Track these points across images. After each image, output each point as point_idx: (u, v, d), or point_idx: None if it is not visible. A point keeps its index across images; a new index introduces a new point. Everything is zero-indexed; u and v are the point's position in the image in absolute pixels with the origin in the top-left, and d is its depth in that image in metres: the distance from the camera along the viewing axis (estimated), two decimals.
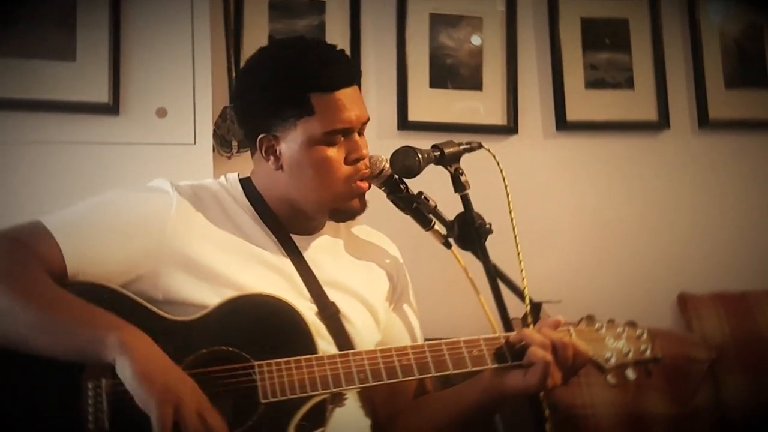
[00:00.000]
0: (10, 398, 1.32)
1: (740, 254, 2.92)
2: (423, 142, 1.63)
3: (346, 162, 1.53)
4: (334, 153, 1.52)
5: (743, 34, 2.97)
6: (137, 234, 1.45)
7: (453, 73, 2.71)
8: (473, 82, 2.73)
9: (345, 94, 1.51)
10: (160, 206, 1.48)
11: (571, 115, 2.80)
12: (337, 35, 2.54)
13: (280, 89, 1.51)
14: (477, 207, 1.63)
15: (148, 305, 1.42)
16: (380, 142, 1.74)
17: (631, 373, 1.49)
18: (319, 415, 1.40)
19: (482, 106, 2.74)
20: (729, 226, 2.93)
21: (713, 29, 2.93)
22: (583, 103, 2.81)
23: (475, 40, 2.72)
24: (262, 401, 1.35)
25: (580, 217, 2.81)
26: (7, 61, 2.06)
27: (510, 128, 2.75)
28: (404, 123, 2.65)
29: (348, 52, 1.67)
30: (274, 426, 1.34)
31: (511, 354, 1.44)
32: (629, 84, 2.85)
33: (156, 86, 2.15)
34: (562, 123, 2.80)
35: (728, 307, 2.80)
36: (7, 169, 2.05)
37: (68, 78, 2.10)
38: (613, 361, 1.48)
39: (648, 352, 1.52)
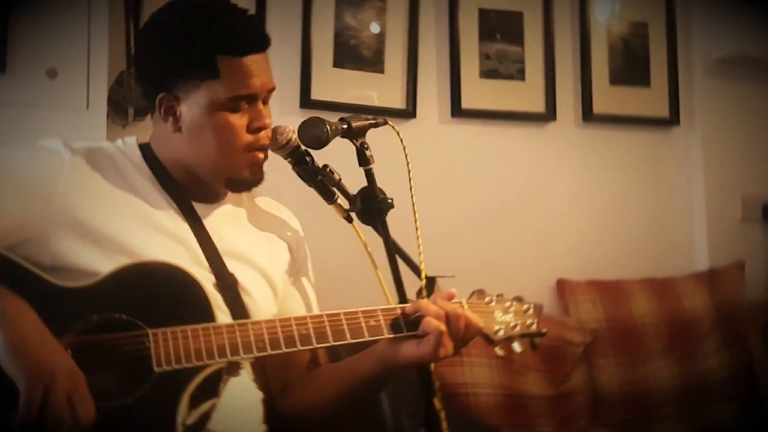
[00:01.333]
0: None
1: (616, 244, 3.06)
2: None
3: (248, 130, 1.50)
4: (237, 119, 1.48)
5: (630, 32, 3.10)
6: (23, 194, 1.37)
7: (356, 54, 2.71)
8: (376, 65, 2.73)
9: (253, 60, 1.48)
10: (50, 166, 1.41)
11: (466, 102, 2.85)
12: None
13: (186, 48, 1.45)
14: (379, 184, 1.63)
15: (35, 270, 1.33)
16: (282, 119, 1.70)
17: (518, 346, 1.53)
18: (214, 385, 1.36)
19: (383, 89, 2.75)
20: (607, 216, 3.07)
21: (602, 27, 3.05)
22: (477, 92, 2.87)
23: (374, 28, 2.73)
24: (156, 370, 1.30)
25: (471, 200, 2.87)
26: None
27: (409, 112, 2.78)
28: (307, 101, 2.63)
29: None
30: (167, 395, 1.30)
31: (407, 324, 1.45)
32: (521, 75, 2.93)
33: (47, 45, 2.03)
34: (457, 110, 2.85)
35: (603, 294, 2.92)
36: None
37: None
38: (501, 333, 1.52)
39: (534, 326, 1.57)
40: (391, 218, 1.62)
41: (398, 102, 2.77)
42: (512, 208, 2.94)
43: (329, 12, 2.67)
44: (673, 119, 3.14)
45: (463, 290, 1.60)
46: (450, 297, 1.50)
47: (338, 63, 2.68)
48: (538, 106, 2.96)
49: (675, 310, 2.95)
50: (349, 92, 2.69)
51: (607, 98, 3.05)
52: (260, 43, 1.51)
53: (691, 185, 3.19)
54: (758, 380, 2.92)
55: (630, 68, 3.09)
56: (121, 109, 2.20)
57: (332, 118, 1.62)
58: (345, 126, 1.58)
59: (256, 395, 1.55)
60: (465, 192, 2.86)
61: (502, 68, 2.91)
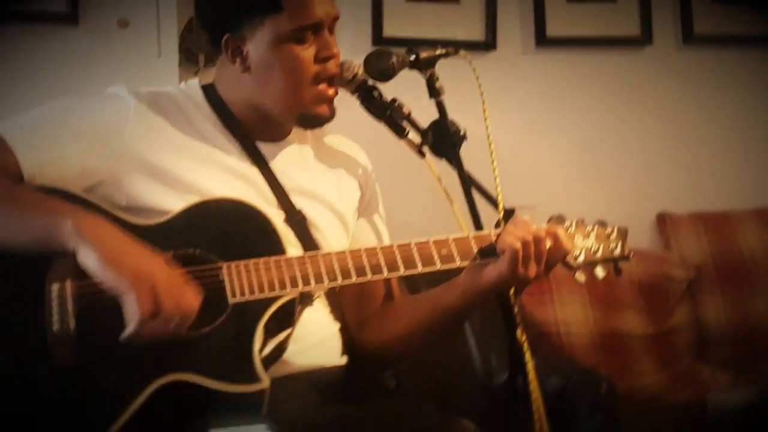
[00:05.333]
0: None
1: (721, 173, 3.00)
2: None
3: (316, 60, 1.57)
4: (303, 51, 1.55)
5: None
6: (93, 139, 1.50)
7: None
8: None
9: None
10: (117, 111, 1.53)
11: (552, 30, 2.84)
12: None
13: None
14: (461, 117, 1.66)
15: (111, 209, 1.46)
16: (354, 57, 1.77)
17: (600, 271, 1.56)
18: (288, 315, 1.47)
19: (460, 20, 2.76)
20: (711, 145, 3.01)
21: None
22: (564, 18, 2.84)
23: None
24: (231, 301, 1.41)
25: (558, 136, 2.87)
26: None
27: (488, 44, 2.79)
28: (379, 38, 2.67)
29: None
30: (242, 325, 1.41)
31: (481, 252, 1.51)
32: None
33: None
34: (542, 38, 2.84)
35: (708, 227, 2.89)
36: None
37: None
38: (581, 258, 1.55)
39: (617, 250, 1.58)
40: (470, 153, 1.64)
41: (477, 33, 2.78)
42: (606, 141, 2.92)
43: None
44: None
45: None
46: (529, 223, 1.53)
47: None
48: (632, 29, 2.91)
49: None
50: (423, 26, 2.71)
51: (709, 17, 2.96)
52: None
53: None
54: None
55: None
56: (192, 56, 2.32)
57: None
58: (413, 57, 1.63)
59: (332, 327, 1.65)
60: (555, 125, 2.87)
61: None
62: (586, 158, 2.90)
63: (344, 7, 2.58)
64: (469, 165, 1.65)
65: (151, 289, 1.31)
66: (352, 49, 2.53)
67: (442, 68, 1.65)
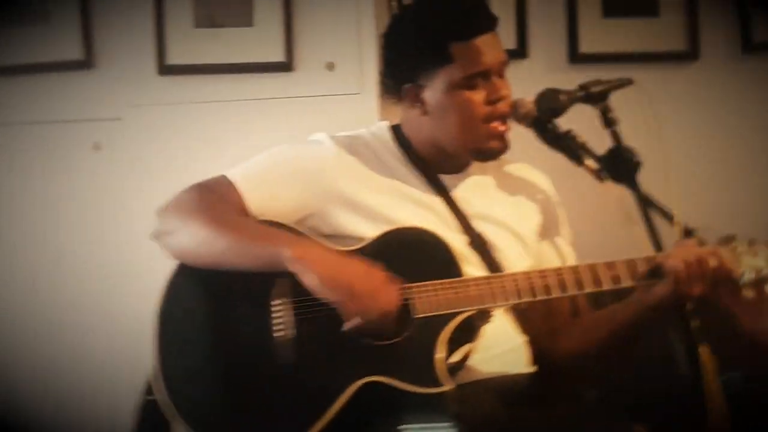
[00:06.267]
0: (213, 319, 1.69)
1: None
2: (595, 75, 1.77)
3: (487, 102, 1.75)
4: (474, 95, 1.74)
5: None
6: (303, 179, 1.77)
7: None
8: (647, 8, 2.74)
9: (482, 41, 1.73)
10: (321, 155, 1.80)
11: (759, 36, 2.74)
12: None
13: (421, 43, 1.75)
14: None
15: (318, 239, 1.73)
16: (550, 76, 1.89)
17: None
18: (469, 331, 1.67)
19: (657, 33, 2.73)
20: None
21: None
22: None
23: None
24: (416, 316, 1.63)
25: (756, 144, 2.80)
26: (194, 30, 2.46)
27: (687, 53, 2.77)
28: (575, 55, 2.70)
29: None
30: (426, 338, 1.62)
31: (649, 272, 1.64)
32: None
33: (325, 43, 2.47)
34: (748, 45, 2.76)
35: None
36: (194, 126, 2.46)
37: (246, 42, 2.46)
38: (749, 276, 1.61)
39: None
40: (647, 174, 1.74)
41: (678, 44, 2.74)
42: None
43: None
44: None
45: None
46: (694, 244, 1.62)
47: (608, 13, 2.72)
48: None
49: None
50: (621, 42, 2.72)
51: None
52: (487, 24, 1.76)
53: None
54: None
55: None
56: (390, 89, 2.55)
57: (603, 71, 1.75)
58: (582, 93, 1.76)
59: (517, 339, 1.82)
60: (750, 134, 2.79)
61: None
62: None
63: (538, 24, 2.74)
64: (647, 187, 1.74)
65: (353, 296, 1.58)
66: (548, 66, 2.66)
67: None
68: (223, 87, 2.47)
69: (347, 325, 1.59)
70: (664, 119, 2.62)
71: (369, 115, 2.39)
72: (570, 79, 2.57)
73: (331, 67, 2.46)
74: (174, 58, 2.47)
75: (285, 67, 2.47)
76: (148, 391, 1.71)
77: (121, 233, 2.43)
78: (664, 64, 2.74)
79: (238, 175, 1.78)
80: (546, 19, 2.71)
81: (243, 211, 1.75)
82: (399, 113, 1.93)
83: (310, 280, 1.60)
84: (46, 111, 2.49)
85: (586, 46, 2.70)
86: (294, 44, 2.47)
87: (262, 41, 2.46)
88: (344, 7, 2.48)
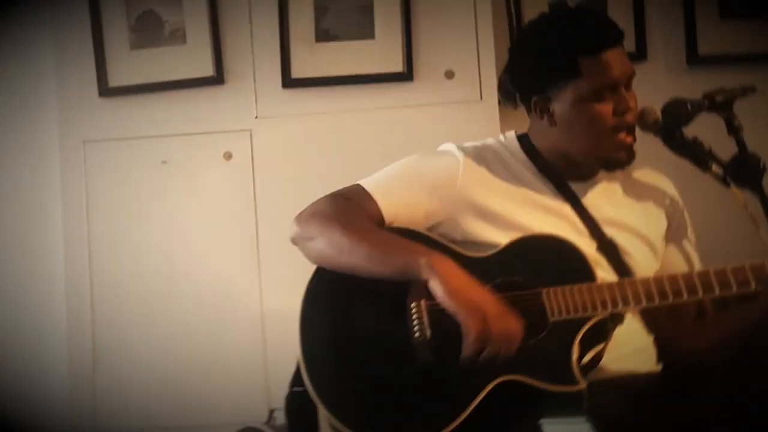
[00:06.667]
0: (355, 320, 1.79)
1: None
2: (715, 77, 1.85)
3: (614, 114, 1.81)
4: (602, 107, 1.81)
5: None
6: (435, 188, 1.86)
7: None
8: (763, 8, 2.71)
9: (609, 55, 1.79)
10: (451, 165, 1.88)
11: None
12: None
13: (550, 57, 1.82)
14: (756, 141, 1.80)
15: (450, 244, 1.82)
16: (671, 78, 1.95)
17: None
18: (601, 332, 1.73)
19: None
20: None
21: None
22: None
23: None
24: (550, 320, 1.70)
25: None
26: (315, 45, 2.60)
27: None
28: (694, 58, 2.72)
29: None
30: (561, 340, 1.70)
31: None
32: None
33: (444, 52, 2.57)
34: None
35: None
36: (318, 136, 2.59)
37: (366, 54, 2.58)
38: None
39: None
40: None
41: None
42: None
43: None
44: None
45: None
46: None
47: (725, 13, 2.73)
48: None
49: None
50: (738, 43, 2.72)
51: None
52: (614, 38, 1.82)
53: None
54: None
55: None
56: (510, 94, 2.61)
57: (722, 74, 1.74)
58: (708, 101, 1.80)
59: (646, 339, 1.89)
60: None
61: None
62: None
63: (656, 27, 2.75)
64: None
65: (483, 317, 1.64)
66: (667, 67, 2.71)
67: None
68: (345, 98, 2.58)
69: (466, 351, 1.65)
70: None
71: (488, 122, 2.48)
72: (689, 82, 2.70)
73: (450, 75, 2.55)
74: (297, 71, 2.60)
75: (405, 77, 2.57)
76: (294, 383, 1.82)
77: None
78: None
79: (372, 184, 1.88)
80: (664, 21, 2.75)
81: (378, 218, 1.84)
82: (519, 121, 2.00)
83: (437, 287, 1.68)
84: (180, 124, 2.64)
85: (704, 48, 2.73)
86: (414, 54, 2.57)
87: (382, 53, 2.58)
88: (462, 16, 2.57)
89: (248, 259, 2.57)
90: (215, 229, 2.60)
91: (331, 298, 1.81)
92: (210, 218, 2.61)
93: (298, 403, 1.80)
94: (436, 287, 1.68)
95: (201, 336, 2.57)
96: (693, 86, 2.63)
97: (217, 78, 2.60)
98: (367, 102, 2.58)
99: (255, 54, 2.61)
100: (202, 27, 2.60)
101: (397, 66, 2.57)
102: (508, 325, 1.66)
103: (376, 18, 2.59)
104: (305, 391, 1.74)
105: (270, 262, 2.56)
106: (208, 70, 2.60)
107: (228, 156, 2.60)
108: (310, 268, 1.84)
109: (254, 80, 2.61)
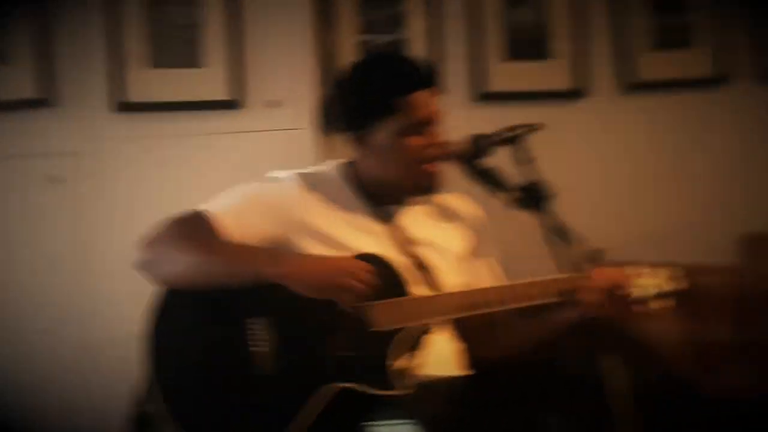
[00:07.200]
0: (196, 336, 1.93)
1: None
2: (496, 111, 2.04)
3: (425, 147, 2.06)
4: (414, 141, 2.05)
5: None
6: (273, 213, 2.04)
7: (523, 44, 3.14)
8: (541, 53, 3.15)
9: (421, 95, 2.04)
10: (288, 191, 2.07)
11: (640, 75, 3.18)
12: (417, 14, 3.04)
13: (371, 96, 2.05)
14: (546, 168, 2.07)
15: None
16: (455, 111, 2.18)
17: (668, 304, 1.97)
18: (416, 339, 1.97)
19: (546, 73, 3.14)
20: None
21: None
22: (651, 65, 3.20)
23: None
24: (372, 329, 1.92)
25: (648, 170, 3.22)
26: (147, 70, 2.69)
27: (578, 92, 3.16)
28: (478, 95, 3.09)
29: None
30: (383, 349, 1.91)
31: (567, 291, 1.96)
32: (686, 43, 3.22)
33: (271, 81, 2.74)
34: (629, 83, 3.20)
35: None
36: (149, 160, 2.68)
37: (196, 81, 2.71)
38: (652, 294, 1.96)
39: (680, 286, 1.99)
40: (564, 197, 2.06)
41: (565, 83, 3.16)
42: (690, 170, 3.25)
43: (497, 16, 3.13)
44: None
45: (640, 257, 2.03)
46: (606, 268, 1.96)
47: (512, 54, 3.12)
48: (707, 71, 3.24)
49: None
50: (516, 81, 3.11)
51: None
52: (426, 80, 2.07)
53: None
54: None
55: None
56: (331, 124, 2.78)
57: (505, 108, 1.99)
58: (504, 136, 2.09)
59: (454, 346, 2.13)
60: (641, 161, 3.20)
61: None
62: (670, 191, 3.24)
63: (446, 66, 3.04)
64: (563, 209, 2.05)
65: (345, 292, 1.88)
66: (456, 103, 2.98)
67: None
68: (175, 124, 2.70)
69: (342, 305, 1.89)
70: (570, 151, 3.11)
71: (312, 150, 2.66)
72: (482, 117, 3.02)
73: (276, 104, 2.72)
74: (129, 96, 2.68)
75: (234, 104, 2.72)
76: (139, 403, 1.94)
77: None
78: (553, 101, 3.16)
79: (214, 208, 2.02)
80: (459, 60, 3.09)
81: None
82: (340, 149, 2.20)
83: (294, 284, 1.87)
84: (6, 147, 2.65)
85: (492, 86, 3.12)
86: (242, 83, 2.72)
87: (211, 80, 2.71)
88: (287, 46, 2.74)
89: (80, 282, 2.62)
90: (44, 252, 2.64)
91: (173, 317, 1.93)
92: (38, 241, 2.64)
93: (143, 421, 1.92)
94: (294, 285, 1.87)
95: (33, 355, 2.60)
96: (487, 121, 3.03)
97: (45, 100, 2.64)
98: (196, 128, 2.70)
99: (84, 77, 2.67)
100: (26, 48, 2.62)
101: (226, 94, 2.71)
102: (357, 270, 1.90)
103: (206, 46, 2.71)
104: (152, 409, 1.86)
105: (102, 284, 2.62)
106: (36, 91, 2.63)
107: (55, 179, 2.63)
108: (144, 290, 1.93)
109: (83, 104, 2.67)
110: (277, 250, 1.96)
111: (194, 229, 1.97)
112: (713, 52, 3.25)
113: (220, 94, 2.72)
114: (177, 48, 2.71)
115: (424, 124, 2.06)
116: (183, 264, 1.92)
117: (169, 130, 2.70)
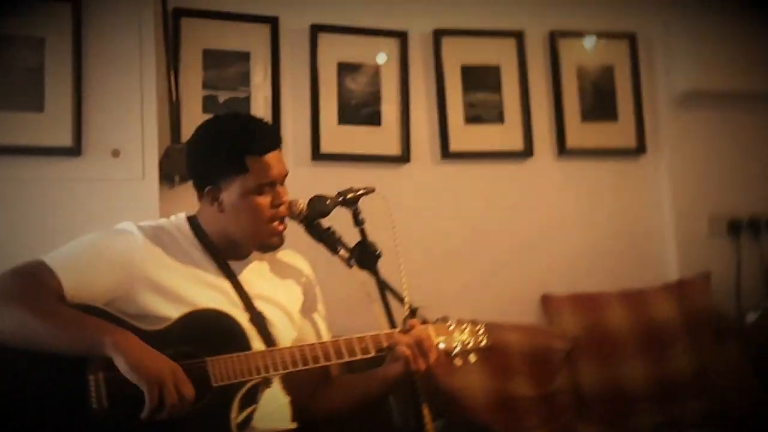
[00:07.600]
0: (27, 395, 1.89)
1: (594, 261, 3.66)
2: (331, 170, 2.14)
3: (272, 206, 2.16)
4: (262, 200, 2.15)
5: (598, 75, 3.74)
6: (115, 265, 2.05)
7: (357, 110, 3.39)
8: (374, 119, 3.41)
9: (271, 156, 2.14)
10: (130, 243, 2.09)
11: (454, 146, 3.51)
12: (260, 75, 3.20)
13: (223, 154, 2.13)
14: (375, 231, 2.25)
15: (126, 319, 2.01)
16: (296, 170, 2.30)
17: (472, 357, 2.17)
18: (254, 395, 2.06)
19: (380, 139, 3.41)
20: (585, 238, 3.68)
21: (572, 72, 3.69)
22: (462, 136, 3.52)
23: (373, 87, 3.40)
24: (214, 385, 1.98)
25: (460, 231, 3.50)
26: None
27: (403, 157, 3.44)
28: (317, 154, 3.30)
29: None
30: (223, 403, 1.99)
31: (386, 347, 2.12)
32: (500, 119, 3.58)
33: (111, 129, 2.75)
34: (446, 152, 3.50)
35: (582, 306, 3.51)
36: None
37: (36, 126, 2.68)
38: (458, 349, 2.16)
39: (483, 342, 2.20)
40: (391, 260, 2.22)
41: (394, 149, 3.43)
42: (498, 236, 3.56)
43: (333, 79, 3.36)
44: (640, 149, 3.76)
45: (455, 312, 2.23)
46: (419, 325, 2.14)
47: (342, 120, 3.36)
48: (518, 144, 3.61)
49: (647, 317, 3.53)
50: (351, 144, 3.35)
51: (579, 133, 3.68)
52: (275, 143, 2.18)
53: (661, 206, 3.79)
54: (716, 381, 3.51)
55: (599, 106, 3.72)
56: (169, 176, 2.87)
57: (337, 167, 2.22)
58: (341, 198, 2.24)
59: (284, 400, 2.23)
60: (457, 224, 3.49)
61: (483, 113, 3.56)
62: (483, 252, 3.54)
63: (289, 130, 3.22)
64: (386, 269, 2.24)
65: (159, 386, 1.87)
66: (294, 161, 3.15)
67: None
68: (13, 168, 2.64)
69: (145, 413, 1.86)
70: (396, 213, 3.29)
71: (150, 200, 2.70)
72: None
73: (116, 153, 2.72)
74: None
75: (73, 151, 2.70)
76: None
77: None
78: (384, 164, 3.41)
79: (54, 259, 2.01)
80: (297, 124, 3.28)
81: (60, 293, 1.97)
82: (177, 200, 2.27)
83: (120, 362, 1.85)
84: None
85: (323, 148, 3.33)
86: (82, 130, 2.71)
87: (51, 125, 2.68)
88: (129, 95, 2.76)
89: None
90: None
91: (8, 372, 1.90)
92: None
93: None
94: (119, 362, 1.86)
95: None
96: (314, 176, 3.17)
97: None
98: (34, 174, 2.66)
99: None
100: None
101: (66, 140, 2.69)
102: (182, 390, 1.90)
103: (47, 90, 2.69)
104: None
105: None
106: None
107: None
108: None
109: None
110: (108, 324, 1.93)
111: (31, 282, 1.95)
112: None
113: (61, 140, 2.70)
114: (19, 91, 2.67)
115: (273, 184, 2.16)
116: (14, 321, 1.89)
117: (6, 174, 2.65)
